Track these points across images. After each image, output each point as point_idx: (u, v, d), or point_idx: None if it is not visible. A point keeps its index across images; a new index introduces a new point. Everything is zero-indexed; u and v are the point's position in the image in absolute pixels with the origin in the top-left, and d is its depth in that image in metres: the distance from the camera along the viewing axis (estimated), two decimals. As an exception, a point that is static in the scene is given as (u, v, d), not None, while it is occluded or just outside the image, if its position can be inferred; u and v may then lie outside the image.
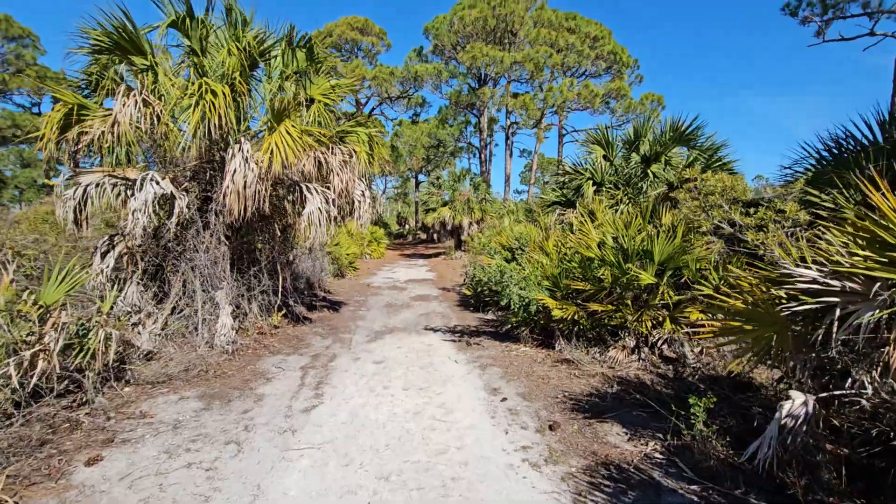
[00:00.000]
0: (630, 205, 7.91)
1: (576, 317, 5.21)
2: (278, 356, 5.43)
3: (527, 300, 5.47)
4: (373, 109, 33.14)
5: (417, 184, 40.43)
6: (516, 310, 5.62)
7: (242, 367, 4.93)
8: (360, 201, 6.39)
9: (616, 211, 7.86)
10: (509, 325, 6.19)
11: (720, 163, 7.84)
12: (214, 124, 4.70)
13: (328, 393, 4.26)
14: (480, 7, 20.60)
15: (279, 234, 6.48)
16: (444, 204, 22.12)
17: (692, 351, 4.81)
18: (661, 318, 5.02)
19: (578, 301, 5.50)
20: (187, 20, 5.14)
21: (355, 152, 6.31)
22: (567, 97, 20.66)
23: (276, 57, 5.83)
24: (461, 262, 20.26)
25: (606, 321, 5.16)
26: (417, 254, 24.57)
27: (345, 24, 29.28)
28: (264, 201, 5.01)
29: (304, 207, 5.51)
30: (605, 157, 8.99)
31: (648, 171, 8.37)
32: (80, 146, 4.79)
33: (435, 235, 28.71)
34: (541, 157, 37.28)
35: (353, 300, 9.82)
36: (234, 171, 4.74)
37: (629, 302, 5.09)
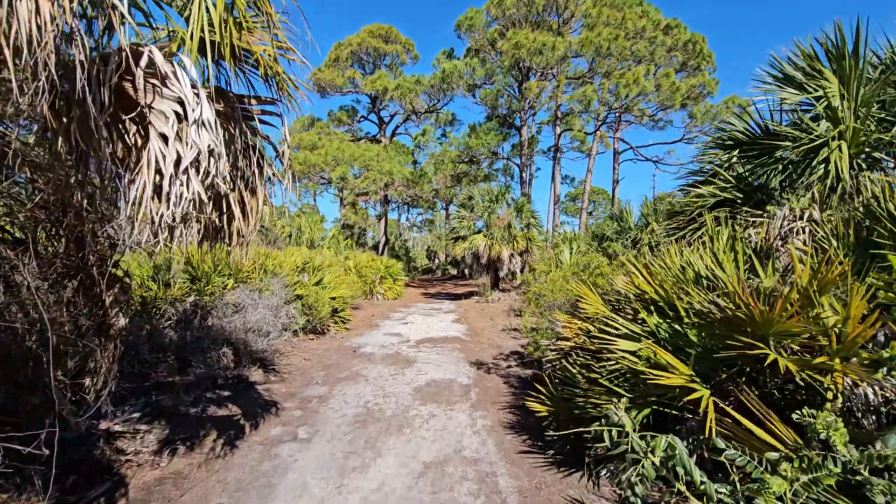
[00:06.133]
0: None
1: None
2: None
3: None
4: (397, 128, 29.51)
5: (447, 215, 36.05)
6: None
7: None
8: (164, 130, 1.64)
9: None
10: None
11: None
12: None
13: None
14: (524, -12, 16.48)
15: None
16: (478, 231, 17.36)
17: None
18: None
19: None
20: None
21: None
22: (645, 88, 15.81)
23: None
24: (501, 306, 15.13)
25: None
26: (444, 293, 19.72)
27: (366, 32, 26.13)
28: None
29: None
30: (843, 96, 3.97)
31: None
32: None
33: (466, 270, 23.83)
34: (583, 189, 32.07)
35: (303, 397, 4.97)
36: None
37: None
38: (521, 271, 17.52)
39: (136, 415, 3.66)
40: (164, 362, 5.39)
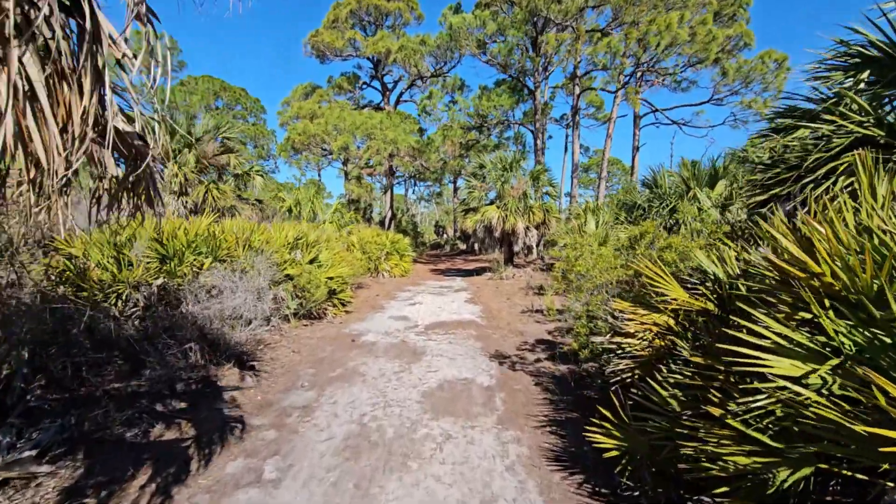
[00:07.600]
0: None
1: None
2: None
3: None
4: (401, 95, 27.78)
5: (456, 189, 34.53)
6: None
7: None
8: None
9: None
10: None
11: None
12: None
13: None
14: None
15: None
16: (490, 203, 16.03)
17: None
18: None
19: None
20: None
21: None
22: (678, 36, 14.00)
23: None
24: (517, 283, 13.95)
25: None
26: (454, 269, 18.60)
27: (366, -11, 24.14)
28: None
29: None
30: None
31: None
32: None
33: (476, 245, 22.59)
34: (601, 157, 30.09)
35: (281, 408, 3.89)
36: None
37: None
38: (538, 245, 16.28)
39: (31, 452, 2.59)
40: (112, 363, 4.34)
